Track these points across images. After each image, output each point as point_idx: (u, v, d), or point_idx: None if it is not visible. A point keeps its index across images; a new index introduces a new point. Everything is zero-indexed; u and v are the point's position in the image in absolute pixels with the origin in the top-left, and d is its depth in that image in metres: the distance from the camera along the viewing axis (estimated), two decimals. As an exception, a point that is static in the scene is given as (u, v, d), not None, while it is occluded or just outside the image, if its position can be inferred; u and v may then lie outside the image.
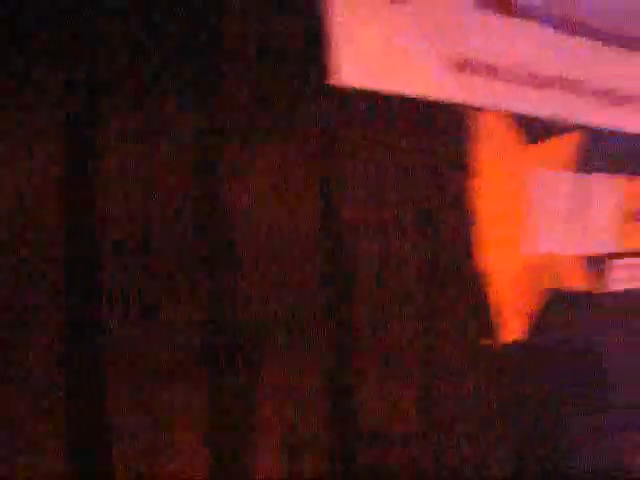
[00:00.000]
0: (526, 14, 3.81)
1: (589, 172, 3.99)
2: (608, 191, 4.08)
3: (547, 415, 3.79)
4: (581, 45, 4.02)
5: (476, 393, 3.63)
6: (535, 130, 3.80)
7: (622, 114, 4.18)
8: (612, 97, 4.13)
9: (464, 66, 3.54)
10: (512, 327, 3.69)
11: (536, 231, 3.79)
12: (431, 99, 3.41)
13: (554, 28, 3.91)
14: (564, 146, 3.95)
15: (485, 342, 3.59)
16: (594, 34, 4.09)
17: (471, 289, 3.55)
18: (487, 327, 3.59)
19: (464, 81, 3.54)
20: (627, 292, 4.12)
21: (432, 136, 3.50)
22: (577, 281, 3.95)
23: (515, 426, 3.73)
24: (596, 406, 3.95)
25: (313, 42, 3.18)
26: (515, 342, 3.68)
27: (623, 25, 4.24)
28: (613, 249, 4.08)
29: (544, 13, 3.88)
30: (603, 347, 4.05)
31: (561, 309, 3.85)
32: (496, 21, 3.70)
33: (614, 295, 4.07)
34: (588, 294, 3.97)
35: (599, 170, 4.03)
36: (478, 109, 3.58)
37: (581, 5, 4.06)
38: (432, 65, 3.44)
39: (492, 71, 3.65)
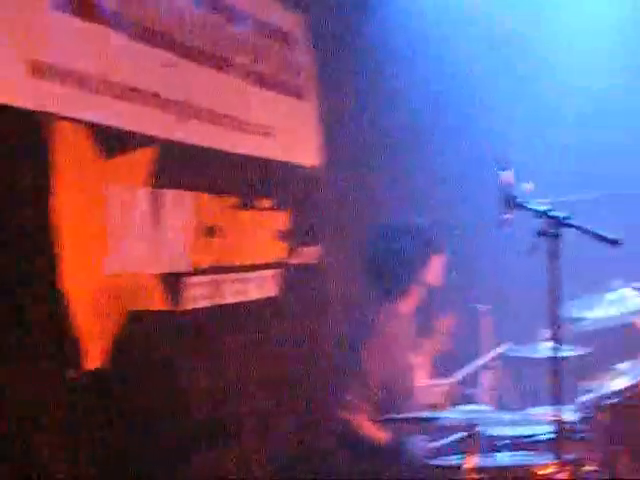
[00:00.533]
0: (105, 20, 3.60)
1: (162, 187, 3.88)
2: (180, 207, 4.00)
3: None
4: (157, 57, 3.90)
5: (62, 430, 3.31)
6: (112, 143, 3.59)
7: (194, 128, 4.14)
8: (185, 111, 4.07)
9: (40, 71, 3.24)
10: (93, 354, 3.44)
11: (115, 250, 3.58)
12: (5, 104, 3.07)
13: (132, 37, 3.75)
14: (139, 160, 3.79)
15: (68, 373, 3.29)
16: (172, 47, 4.00)
17: (50, 314, 3.24)
18: (69, 356, 3.31)
19: (40, 87, 3.23)
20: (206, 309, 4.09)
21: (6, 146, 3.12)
22: (156, 301, 3.81)
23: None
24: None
25: None
26: (96, 370, 3.43)
27: (203, 40, 4.21)
28: (187, 267, 4.02)
29: (123, 21, 3.70)
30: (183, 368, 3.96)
31: (142, 331, 3.70)
32: (74, 25, 3.44)
33: (193, 313, 4.01)
34: (168, 314, 3.86)
35: (171, 185, 3.94)
36: (55, 118, 3.28)
37: (160, 16, 3.94)
38: (6, 69, 3.09)
39: (69, 78, 3.38)
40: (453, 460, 3.57)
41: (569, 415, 3.27)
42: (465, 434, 3.34)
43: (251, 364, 4.40)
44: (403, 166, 5.64)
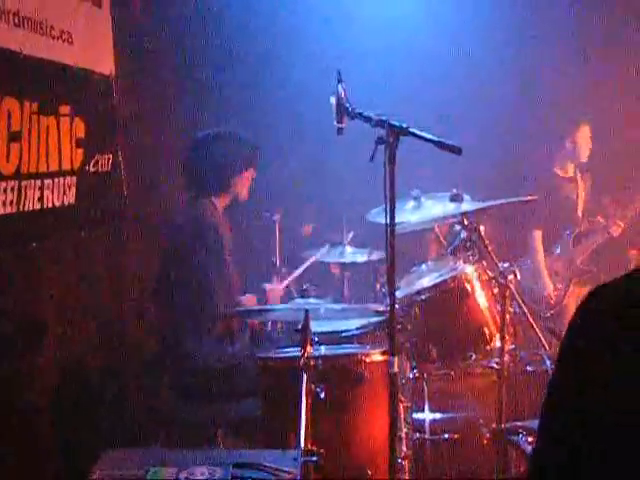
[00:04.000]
0: None
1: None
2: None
3: None
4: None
5: None
6: None
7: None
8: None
9: None
10: None
11: None
12: None
13: None
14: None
15: None
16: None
17: None
18: None
19: None
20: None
21: None
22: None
23: None
24: None
25: None
26: None
27: None
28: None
29: None
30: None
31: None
32: None
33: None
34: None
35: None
36: None
37: None
38: None
39: None
40: (289, 352, 3.81)
41: (385, 308, 3.57)
42: (299, 327, 3.57)
43: (53, 271, 4.40)
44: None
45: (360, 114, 3.53)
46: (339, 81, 3.59)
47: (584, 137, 6.32)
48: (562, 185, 6.44)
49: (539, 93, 6.33)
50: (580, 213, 6.49)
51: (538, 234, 6.30)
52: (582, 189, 6.51)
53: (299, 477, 2.89)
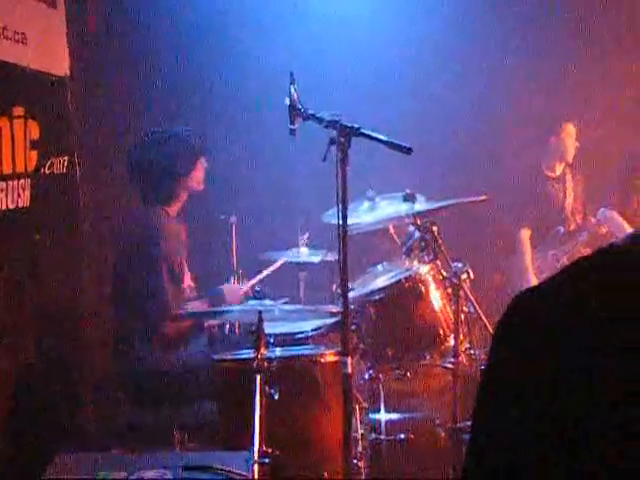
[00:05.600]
0: None
1: None
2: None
3: None
4: None
5: None
6: None
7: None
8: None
9: None
10: None
11: None
12: None
13: None
14: None
15: None
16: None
17: None
18: None
19: None
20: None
21: None
22: None
23: None
24: None
25: None
26: None
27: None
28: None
29: None
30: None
31: None
32: None
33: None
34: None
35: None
36: None
37: None
38: None
39: None
40: (244, 354, 3.80)
41: (340, 309, 3.57)
42: (252, 328, 3.57)
43: (7, 275, 4.37)
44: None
45: (313, 115, 3.54)
46: (291, 82, 3.60)
47: (569, 136, 6.29)
48: (550, 184, 6.43)
49: (515, 93, 6.30)
50: (569, 212, 6.48)
51: (526, 233, 6.27)
52: (571, 188, 6.48)
53: (251, 479, 2.88)
